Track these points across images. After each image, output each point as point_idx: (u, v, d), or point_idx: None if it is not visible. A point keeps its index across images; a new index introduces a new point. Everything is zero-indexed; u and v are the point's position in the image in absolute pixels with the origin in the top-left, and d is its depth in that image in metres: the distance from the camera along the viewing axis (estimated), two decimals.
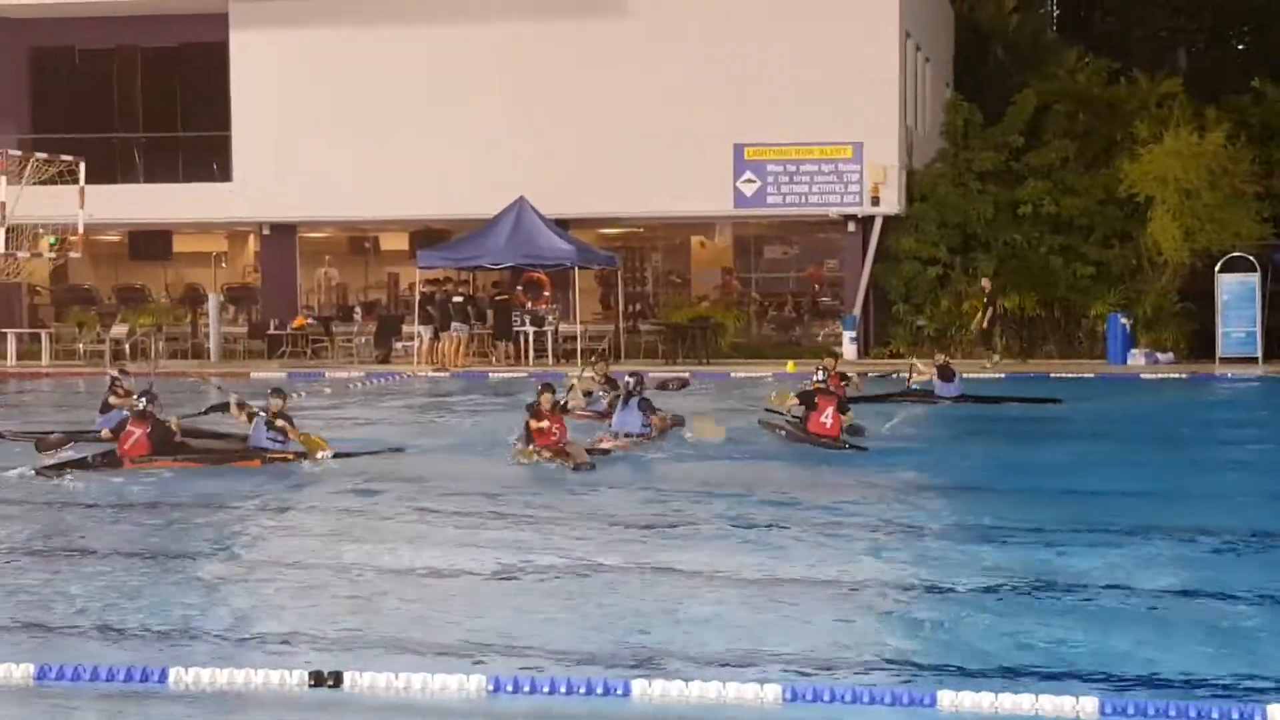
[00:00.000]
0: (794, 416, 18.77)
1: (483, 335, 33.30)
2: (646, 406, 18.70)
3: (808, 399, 18.37)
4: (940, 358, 24.71)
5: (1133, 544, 12.18)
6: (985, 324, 31.79)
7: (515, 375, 29.68)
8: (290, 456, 16.99)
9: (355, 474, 16.32)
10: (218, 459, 17.15)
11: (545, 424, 16.89)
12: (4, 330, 34.82)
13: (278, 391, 17.80)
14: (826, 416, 18.05)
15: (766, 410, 20.00)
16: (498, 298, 33.59)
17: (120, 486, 15.70)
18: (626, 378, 19.31)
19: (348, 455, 17.37)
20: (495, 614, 9.94)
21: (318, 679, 8.01)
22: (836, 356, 23.67)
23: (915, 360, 25.50)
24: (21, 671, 8.29)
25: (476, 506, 14.32)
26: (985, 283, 32.35)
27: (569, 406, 19.19)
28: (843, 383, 20.27)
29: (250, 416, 17.38)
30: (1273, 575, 11.03)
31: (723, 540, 12.52)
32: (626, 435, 18.30)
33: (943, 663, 8.70)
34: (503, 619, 9.78)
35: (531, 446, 16.86)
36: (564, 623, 9.71)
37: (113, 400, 18.92)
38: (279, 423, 17.10)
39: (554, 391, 17.53)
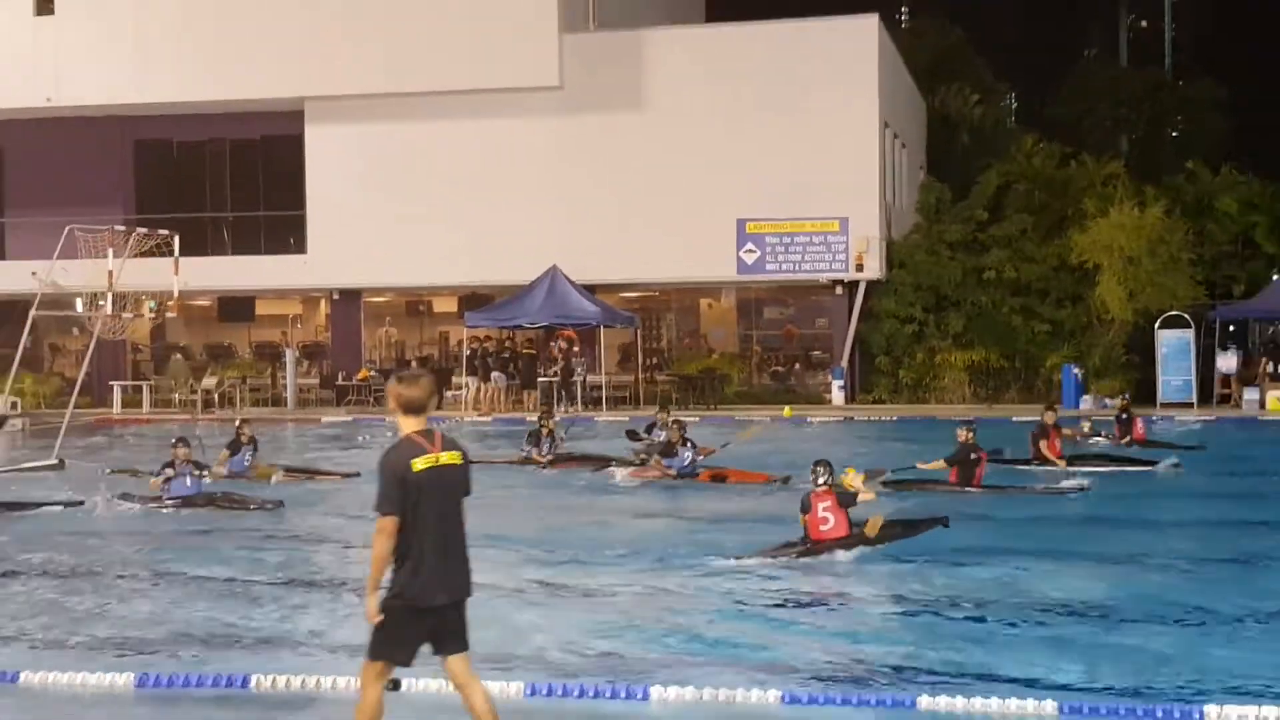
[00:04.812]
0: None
1: (516, 385, 33.36)
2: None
3: (966, 461, 16.74)
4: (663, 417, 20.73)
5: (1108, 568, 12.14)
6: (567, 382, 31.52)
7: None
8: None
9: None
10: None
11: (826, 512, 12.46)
12: (111, 382, 35.03)
13: (182, 441, 16.79)
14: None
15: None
16: (523, 351, 33.65)
17: (207, 521, 15.67)
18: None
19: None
20: (525, 625, 9.91)
21: None
22: (1054, 407, 20.59)
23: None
24: (124, 679, 8.31)
25: (508, 527, 14.23)
26: (560, 341, 32.19)
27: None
28: (1059, 430, 19.26)
29: (166, 480, 16.27)
30: (1209, 591, 10.96)
31: (735, 565, 12.42)
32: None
33: (922, 670, 8.66)
34: (532, 630, 9.74)
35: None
36: (590, 632, 9.67)
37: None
38: (194, 470, 16.34)
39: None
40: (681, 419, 19.94)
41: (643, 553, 12.88)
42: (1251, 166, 37.48)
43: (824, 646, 9.27)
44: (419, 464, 6.52)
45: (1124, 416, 22.14)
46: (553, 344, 34.08)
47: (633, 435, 20.76)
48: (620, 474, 18.69)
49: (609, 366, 34.29)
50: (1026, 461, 18.75)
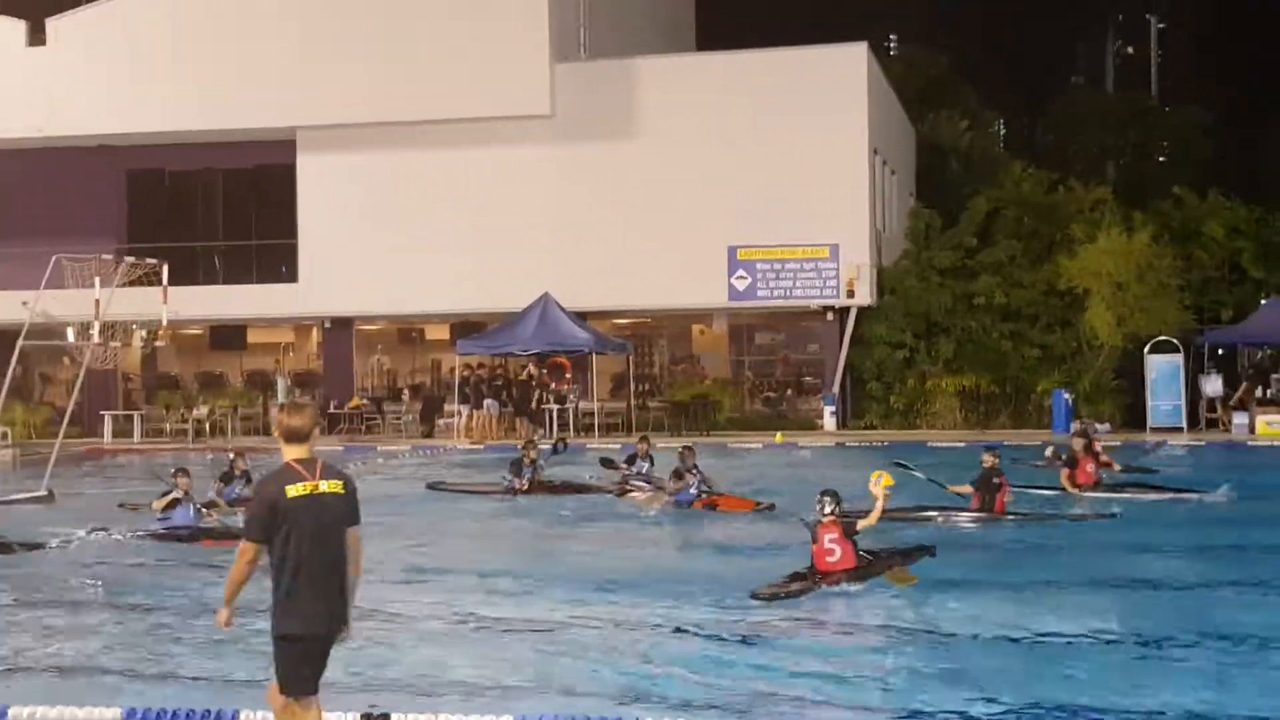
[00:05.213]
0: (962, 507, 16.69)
1: (509, 413, 33.24)
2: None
3: (989, 486, 16.70)
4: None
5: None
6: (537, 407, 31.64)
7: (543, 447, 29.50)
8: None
9: (390, 534, 16.05)
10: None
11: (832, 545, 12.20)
12: (102, 412, 34.91)
13: (182, 471, 16.57)
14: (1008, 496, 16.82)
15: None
16: (518, 379, 33.67)
17: (189, 555, 15.47)
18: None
19: None
20: (516, 657, 9.83)
21: (368, 718, 7.93)
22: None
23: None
24: (112, 714, 8.21)
25: (504, 560, 14.15)
26: (530, 367, 32.24)
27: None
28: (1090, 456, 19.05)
29: (172, 504, 16.04)
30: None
31: (710, 598, 12.35)
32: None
33: (908, 707, 8.60)
34: (523, 662, 9.67)
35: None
36: (576, 666, 9.59)
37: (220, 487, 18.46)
38: (195, 503, 16.08)
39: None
40: (691, 446, 19.79)
41: (631, 584, 12.80)
42: (1237, 192, 37.63)
43: (810, 680, 9.20)
44: (293, 491, 6.53)
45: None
46: (543, 371, 34.01)
47: (608, 463, 20.67)
48: (639, 499, 18.72)
49: (601, 393, 34.23)
50: (1059, 490, 18.68)
